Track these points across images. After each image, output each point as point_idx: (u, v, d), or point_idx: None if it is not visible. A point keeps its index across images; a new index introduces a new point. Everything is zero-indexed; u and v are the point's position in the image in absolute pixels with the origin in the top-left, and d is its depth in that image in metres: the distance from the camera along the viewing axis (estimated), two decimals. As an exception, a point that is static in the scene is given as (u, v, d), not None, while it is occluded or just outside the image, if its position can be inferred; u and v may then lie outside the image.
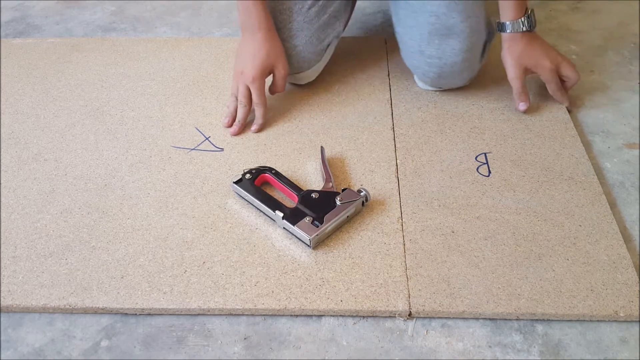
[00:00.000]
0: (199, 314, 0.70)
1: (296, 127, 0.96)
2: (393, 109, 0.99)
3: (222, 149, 0.92)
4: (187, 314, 0.70)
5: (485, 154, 0.90)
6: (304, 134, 0.94)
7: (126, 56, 1.15)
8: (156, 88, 1.06)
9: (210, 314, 0.70)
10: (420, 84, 1.03)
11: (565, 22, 1.25)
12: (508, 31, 0.92)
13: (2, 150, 0.93)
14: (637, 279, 0.71)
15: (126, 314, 0.70)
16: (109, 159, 0.91)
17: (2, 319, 0.70)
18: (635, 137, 0.94)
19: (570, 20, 1.26)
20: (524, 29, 0.91)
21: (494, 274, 0.71)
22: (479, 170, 0.87)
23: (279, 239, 0.77)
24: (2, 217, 0.81)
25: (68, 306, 0.70)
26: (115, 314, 0.70)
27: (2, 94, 1.06)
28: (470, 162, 0.88)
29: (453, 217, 0.79)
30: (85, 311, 0.70)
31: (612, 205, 0.82)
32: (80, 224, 0.80)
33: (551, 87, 0.96)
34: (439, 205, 0.81)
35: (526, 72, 0.94)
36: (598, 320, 0.68)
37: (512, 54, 0.93)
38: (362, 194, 0.79)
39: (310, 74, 1.01)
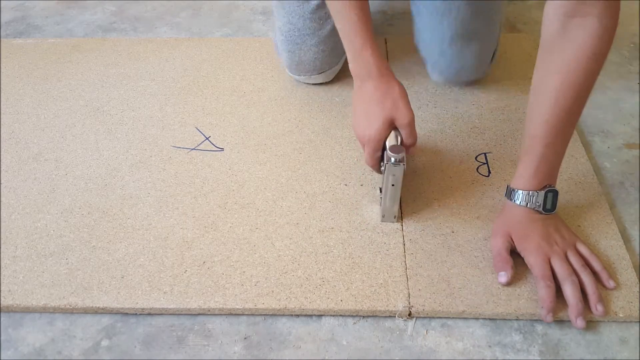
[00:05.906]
0: (199, 314, 0.70)
1: (296, 127, 0.96)
2: (393, 109, 0.99)
3: (222, 149, 0.92)
4: (187, 314, 0.70)
5: (485, 154, 0.90)
6: (304, 134, 0.94)
7: (126, 56, 1.15)
8: (156, 88, 1.06)
9: (210, 314, 0.70)
10: (434, 76, 1.03)
11: (565, 23, 1.25)
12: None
13: (2, 150, 0.93)
14: (637, 280, 0.71)
15: (126, 313, 0.70)
16: (110, 159, 0.91)
17: (2, 318, 0.70)
18: (635, 137, 0.94)
19: (570, 20, 1.26)
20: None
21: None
22: (479, 170, 0.87)
23: (279, 239, 0.77)
24: (2, 217, 0.81)
25: (68, 306, 0.70)
26: (116, 313, 0.70)
27: (2, 94, 1.06)
28: (470, 162, 0.88)
29: (453, 217, 0.79)
30: (86, 311, 0.70)
31: (612, 205, 0.82)
32: (81, 223, 0.80)
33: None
34: (439, 206, 0.81)
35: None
36: (598, 320, 0.68)
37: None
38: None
39: (330, 75, 1.04)
